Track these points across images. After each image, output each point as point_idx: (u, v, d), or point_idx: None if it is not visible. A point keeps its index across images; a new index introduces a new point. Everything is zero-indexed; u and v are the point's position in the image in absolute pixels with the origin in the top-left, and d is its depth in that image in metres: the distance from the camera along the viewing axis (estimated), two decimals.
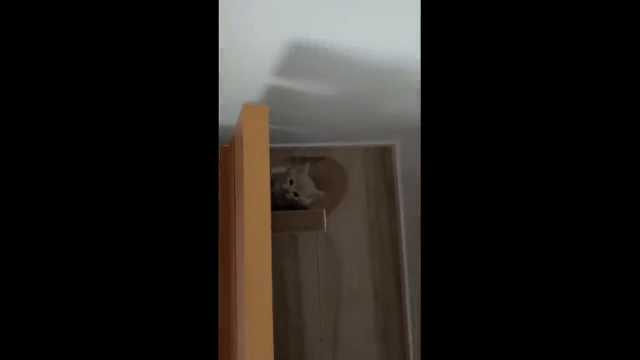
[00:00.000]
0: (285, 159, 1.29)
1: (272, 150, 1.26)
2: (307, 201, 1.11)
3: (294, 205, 1.07)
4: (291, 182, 1.07)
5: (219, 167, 0.94)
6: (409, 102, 0.96)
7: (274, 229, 0.62)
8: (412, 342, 1.23)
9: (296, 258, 1.27)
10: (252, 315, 0.60)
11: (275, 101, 0.90)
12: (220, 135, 1.05)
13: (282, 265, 1.26)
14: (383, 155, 1.34)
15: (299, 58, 0.71)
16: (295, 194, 1.07)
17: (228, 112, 0.92)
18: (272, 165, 1.22)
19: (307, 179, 1.11)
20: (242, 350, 0.66)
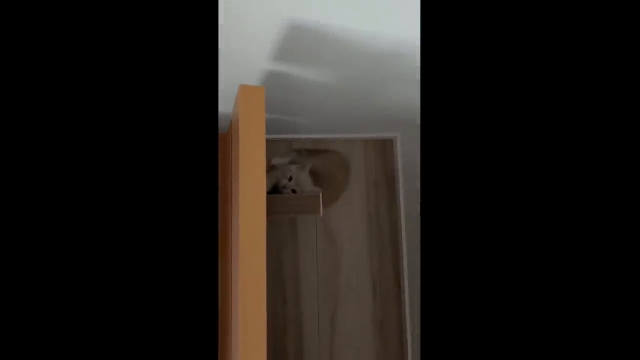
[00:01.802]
0: (290, 150, 1.28)
1: (272, 142, 1.27)
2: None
3: None
4: (290, 179, 1.07)
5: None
6: (410, 92, 0.95)
7: (271, 213, 0.61)
8: (410, 335, 1.22)
9: (295, 250, 1.26)
10: (246, 302, 0.60)
11: (275, 88, 0.89)
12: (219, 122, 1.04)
13: (281, 256, 1.25)
14: (384, 148, 1.33)
15: (298, 41, 0.70)
16: (294, 191, 1.07)
17: (226, 99, 0.91)
18: (276, 155, 1.23)
19: (307, 177, 1.11)
20: (236, 336, 0.65)
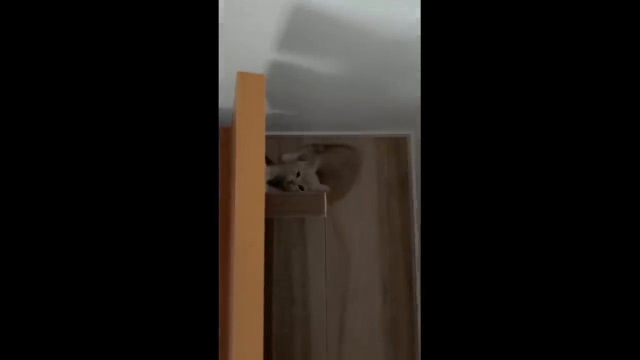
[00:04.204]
0: (301, 146, 1.25)
1: (281, 138, 1.25)
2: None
3: None
4: (298, 174, 1.05)
5: (220, 149, 0.90)
6: None
7: (271, 212, 0.57)
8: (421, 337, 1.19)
9: (304, 250, 1.24)
10: (242, 305, 0.56)
11: (280, 80, 0.86)
12: (220, 116, 1.01)
13: (289, 256, 1.23)
14: (397, 146, 1.30)
15: (303, 25, 0.66)
16: (301, 188, 1.05)
17: (228, 91, 0.88)
18: (285, 152, 1.21)
19: (314, 174, 1.09)
20: (232, 342, 0.61)
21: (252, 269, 0.56)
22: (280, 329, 1.19)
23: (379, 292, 1.23)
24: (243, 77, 0.61)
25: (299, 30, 0.67)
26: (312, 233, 1.25)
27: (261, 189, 0.57)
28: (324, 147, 1.25)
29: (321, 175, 1.12)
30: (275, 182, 1.07)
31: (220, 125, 0.95)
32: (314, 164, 1.10)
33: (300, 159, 1.16)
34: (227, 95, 0.90)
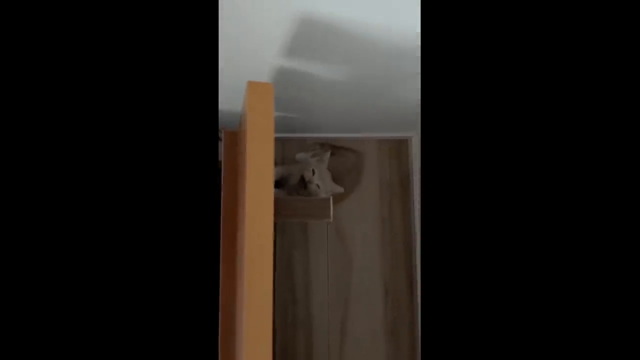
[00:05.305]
0: (308, 145, 1.26)
1: (286, 140, 1.25)
2: (325, 196, 1.08)
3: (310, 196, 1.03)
4: (313, 172, 1.03)
5: (226, 152, 0.91)
6: None
7: (278, 216, 0.58)
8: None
9: (306, 251, 1.24)
10: (252, 310, 0.57)
11: (286, 85, 0.87)
12: (227, 120, 1.02)
13: (291, 257, 1.23)
14: (399, 149, 1.30)
15: (308, 35, 0.67)
16: (318, 186, 1.03)
17: (236, 96, 0.89)
18: (289, 153, 1.21)
19: (326, 170, 1.07)
20: (240, 347, 0.62)
21: (261, 274, 0.57)
22: (283, 330, 1.20)
23: (381, 293, 1.24)
24: (252, 87, 0.62)
25: (305, 39, 0.68)
26: (314, 235, 1.25)
27: (270, 197, 0.58)
28: (331, 147, 1.25)
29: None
30: (280, 183, 1.06)
31: (227, 129, 0.97)
32: (324, 160, 1.09)
33: (313, 157, 1.15)
34: (234, 100, 0.91)
